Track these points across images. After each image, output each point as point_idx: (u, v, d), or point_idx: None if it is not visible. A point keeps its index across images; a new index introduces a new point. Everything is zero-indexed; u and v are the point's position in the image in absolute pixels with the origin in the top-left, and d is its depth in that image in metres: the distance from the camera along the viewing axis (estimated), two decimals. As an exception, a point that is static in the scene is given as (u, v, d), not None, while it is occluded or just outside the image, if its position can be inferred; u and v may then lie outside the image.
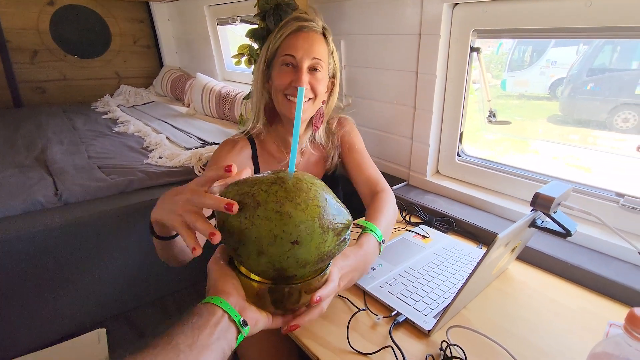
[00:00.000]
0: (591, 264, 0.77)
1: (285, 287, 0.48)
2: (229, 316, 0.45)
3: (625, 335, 0.34)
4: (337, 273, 0.58)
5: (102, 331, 1.05)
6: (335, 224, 0.47)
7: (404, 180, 1.25)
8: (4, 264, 0.91)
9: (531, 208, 0.60)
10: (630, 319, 0.33)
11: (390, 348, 0.59)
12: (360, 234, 0.74)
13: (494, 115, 1.17)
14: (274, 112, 0.89)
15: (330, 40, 0.86)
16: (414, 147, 1.19)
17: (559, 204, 0.59)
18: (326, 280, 0.53)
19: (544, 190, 0.59)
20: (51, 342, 1.00)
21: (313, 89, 0.82)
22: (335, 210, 0.47)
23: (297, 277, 0.48)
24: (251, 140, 0.91)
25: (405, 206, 1.10)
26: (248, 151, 0.90)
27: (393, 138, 1.25)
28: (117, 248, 1.08)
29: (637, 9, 0.70)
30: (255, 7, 1.21)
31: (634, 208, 0.80)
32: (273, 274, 0.46)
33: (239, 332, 0.45)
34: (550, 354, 0.59)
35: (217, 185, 0.51)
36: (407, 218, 1.07)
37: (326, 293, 0.52)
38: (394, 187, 1.19)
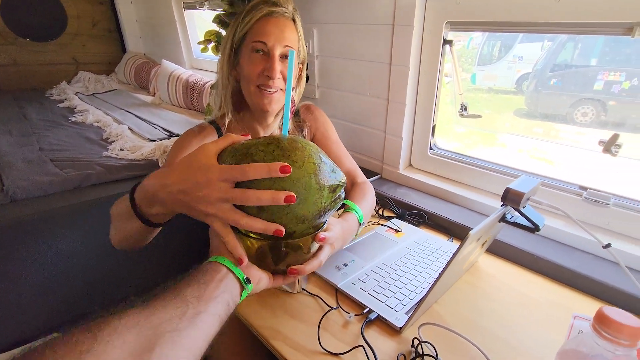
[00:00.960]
0: (557, 256, 0.79)
1: (285, 244, 0.50)
2: (233, 273, 0.47)
3: (593, 334, 0.33)
4: (336, 224, 0.59)
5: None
6: (331, 180, 0.48)
7: (377, 174, 1.24)
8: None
9: (501, 203, 0.60)
10: (599, 319, 0.33)
11: (362, 347, 0.57)
12: (343, 212, 0.73)
13: (466, 109, 1.18)
14: (240, 99, 0.84)
15: (299, 25, 0.82)
16: (387, 140, 1.18)
17: (528, 199, 0.60)
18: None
19: (514, 185, 0.58)
20: (3, 348, 0.92)
21: (284, 78, 0.77)
22: (329, 168, 0.49)
23: (297, 233, 0.49)
24: (217, 128, 0.86)
25: (379, 200, 1.09)
26: (214, 138, 0.82)
27: (366, 130, 1.24)
28: (71, 248, 1.00)
29: (602, 6, 0.71)
30: (222, -10, 1.15)
31: (595, 201, 0.83)
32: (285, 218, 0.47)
33: (242, 288, 0.47)
34: (518, 348, 0.60)
35: (214, 144, 0.49)
36: (380, 212, 1.06)
37: (329, 236, 0.53)
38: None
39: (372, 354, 0.55)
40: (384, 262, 0.81)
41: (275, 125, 0.90)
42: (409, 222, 1.00)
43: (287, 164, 0.44)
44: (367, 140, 1.24)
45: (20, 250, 0.92)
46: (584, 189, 0.85)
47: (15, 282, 0.94)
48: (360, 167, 1.22)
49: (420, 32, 1.01)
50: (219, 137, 0.82)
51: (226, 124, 0.85)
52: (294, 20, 0.80)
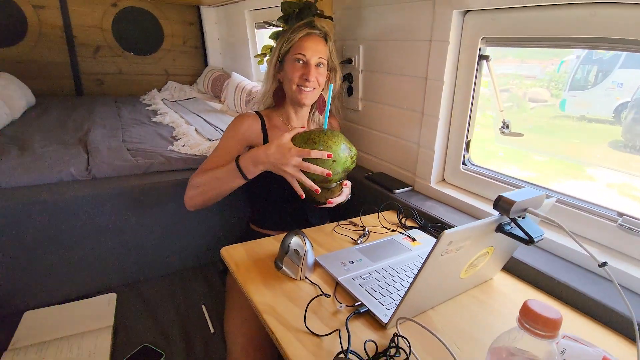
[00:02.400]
0: (580, 283, 0.73)
1: (331, 183, 0.92)
2: None
3: (518, 327, 0.34)
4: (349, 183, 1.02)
5: (113, 296, 1.16)
6: (351, 152, 0.91)
7: (410, 185, 1.24)
8: (33, 223, 1.05)
9: (498, 213, 0.60)
10: (523, 311, 0.34)
11: (339, 332, 0.61)
12: None
13: (507, 127, 1.14)
14: (281, 95, 1.11)
15: (330, 43, 1.06)
16: (420, 153, 1.19)
17: (524, 210, 0.58)
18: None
19: (510, 194, 0.58)
20: (66, 299, 1.13)
21: (317, 80, 1.04)
22: (348, 146, 0.91)
23: (334, 180, 0.91)
24: (260, 116, 1.10)
25: (403, 209, 1.11)
26: (258, 124, 1.09)
27: (401, 143, 1.26)
28: (133, 223, 1.19)
29: (637, 22, 0.67)
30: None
31: (630, 228, 0.75)
32: (324, 177, 0.88)
33: None
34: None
35: (289, 134, 0.90)
36: (403, 221, 1.07)
37: (348, 184, 1.01)
38: (398, 191, 1.20)
39: (347, 337, 0.59)
40: (390, 266, 0.83)
41: (305, 115, 1.15)
42: (430, 234, 1.00)
43: (330, 153, 0.86)
44: (402, 152, 1.27)
45: (93, 218, 1.13)
46: (621, 215, 0.78)
47: (86, 245, 1.15)
48: (392, 177, 1.29)
49: (457, 48, 1.03)
50: (260, 122, 1.10)
51: (269, 110, 1.13)
52: (325, 39, 1.05)
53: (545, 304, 0.33)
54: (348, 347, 0.57)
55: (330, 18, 1.33)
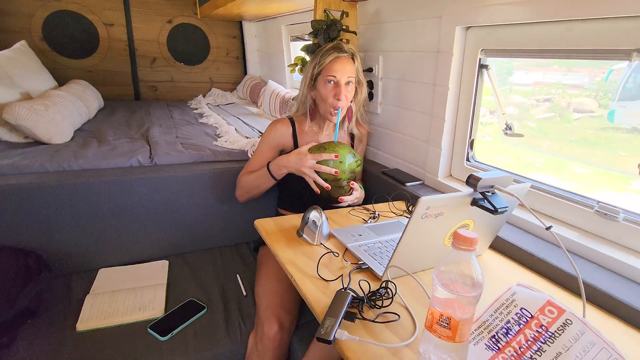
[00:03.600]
0: (558, 260, 0.86)
1: (341, 181, 1.18)
2: None
3: (453, 249, 0.51)
4: (357, 187, 1.23)
5: (166, 262, 1.41)
6: (355, 157, 1.19)
7: (420, 180, 1.40)
8: (109, 198, 1.32)
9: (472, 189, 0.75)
10: (456, 236, 0.50)
11: (342, 276, 0.79)
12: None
13: (510, 128, 1.27)
14: (314, 109, 1.30)
15: (357, 61, 1.23)
16: (429, 150, 1.34)
17: (491, 186, 0.73)
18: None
19: (480, 173, 0.73)
20: (131, 261, 1.39)
21: (347, 97, 1.21)
22: (353, 152, 1.19)
23: (342, 179, 1.18)
24: (292, 122, 1.30)
25: (411, 198, 1.26)
26: (289, 130, 1.30)
27: (413, 141, 1.42)
28: (186, 203, 1.44)
29: (605, 34, 0.80)
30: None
31: (605, 214, 0.87)
32: (334, 176, 1.15)
33: None
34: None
35: (307, 146, 1.19)
36: (410, 208, 1.23)
37: (356, 187, 1.22)
38: (410, 184, 1.36)
39: (348, 281, 0.76)
40: (393, 240, 1.00)
41: (332, 125, 1.32)
42: (432, 219, 1.15)
43: (337, 154, 1.14)
44: (414, 150, 1.42)
45: (154, 196, 1.39)
46: (598, 202, 0.90)
47: (147, 218, 1.40)
48: (405, 172, 1.47)
49: (460, 58, 1.18)
50: (292, 127, 1.32)
51: (301, 119, 1.31)
52: (352, 58, 1.22)
53: (468, 232, 0.50)
54: (348, 285, 0.75)
55: (355, 32, 1.52)
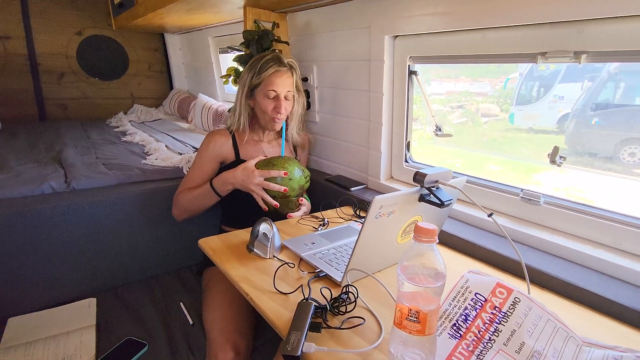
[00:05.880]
0: (495, 245, 0.93)
1: (289, 198, 1.15)
2: None
3: (415, 242, 0.51)
4: (305, 201, 1.22)
5: (93, 300, 1.23)
6: (304, 173, 1.17)
7: (364, 184, 1.43)
8: (15, 233, 1.11)
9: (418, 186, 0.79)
10: (416, 230, 0.51)
11: (301, 287, 0.76)
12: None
13: (440, 129, 1.36)
14: (253, 118, 1.28)
15: (296, 74, 1.22)
16: (370, 155, 1.38)
17: (436, 181, 0.77)
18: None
19: (424, 170, 0.77)
20: (48, 305, 1.19)
21: (286, 109, 1.21)
22: (302, 168, 1.16)
23: (292, 196, 1.15)
24: (231, 132, 1.26)
25: (357, 203, 1.28)
26: (229, 140, 1.25)
27: (354, 147, 1.45)
28: (114, 230, 1.28)
29: (514, 40, 0.91)
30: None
31: (529, 200, 0.97)
32: (283, 193, 1.11)
33: None
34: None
35: (254, 160, 1.14)
36: (357, 212, 1.25)
37: (304, 202, 1.21)
38: (354, 189, 1.38)
39: (308, 291, 0.74)
40: (346, 244, 0.99)
41: (273, 132, 1.31)
42: (379, 220, 1.18)
43: (286, 171, 1.10)
44: (355, 155, 1.46)
45: (73, 227, 1.21)
46: (522, 190, 1.00)
47: (66, 252, 1.22)
48: (349, 178, 1.48)
49: (391, 65, 1.24)
50: (232, 137, 1.26)
51: (240, 130, 1.26)
52: (292, 72, 1.21)
53: (428, 224, 0.51)
54: (309, 295, 0.72)
55: (287, 43, 1.53)
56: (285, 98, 1.19)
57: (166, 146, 1.83)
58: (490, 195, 1.07)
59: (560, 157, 0.98)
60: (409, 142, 1.32)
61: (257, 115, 1.24)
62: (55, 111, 2.80)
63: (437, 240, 0.51)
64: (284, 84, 1.18)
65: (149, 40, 3.12)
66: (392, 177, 1.40)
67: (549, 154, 1.00)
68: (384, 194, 1.35)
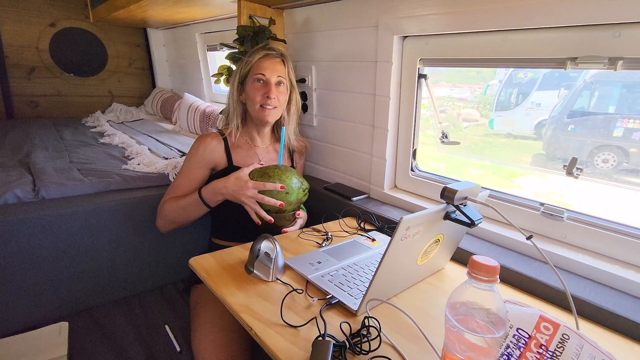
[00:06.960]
0: (517, 265, 0.86)
1: (285, 213, 1.02)
2: None
3: (467, 278, 0.42)
4: (303, 214, 1.13)
5: (64, 324, 1.08)
6: (302, 185, 1.05)
7: (365, 193, 1.34)
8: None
9: (445, 202, 0.70)
10: (470, 264, 0.42)
11: (315, 319, 0.65)
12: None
13: (446, 137, 1.29)
14: (245, 117, 1.18)
15: (288, 64, 1.13)
16: (373, 162, 1.29)
17: (465, 198, 0.69)
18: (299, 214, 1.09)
19: (452, 185, 0.68)
20: (14, 331, 1.03)
21: (278, 98, 1.10)
22: (300, 180, 1.05)
23: (288, 210, 1.03)
24: (222, 134, 1.15)
25: (362, 214, 1.19)
26: (221, 144, 1.14)
27: (356, 154, 1.36)
28: (90, 244, 1.14)
29: (540, 44, 0.84)
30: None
31: (551, 215, 0.91)
32: (279, 208, 1.00)
33: None
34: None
35: (247, 169, 1.03)
36: (362, 225, 1.15)
37: (301, 215, 1.10)
38: (356, 199, 1.28)
39: (323, 324, 0.63)
40: (355, 263, 0.90)
41: (268, 133, 1.21)
42: (387, 234, 1.09)
43: (283, 185, 0.99)
44: (357, 163, 1.37)
45: (41, 242, 1.06)
46: (542, 204, 0.93)
47: (33, 271, 1.07)
48: (349, 187, 1.38)
49: (399, 67, 1.16)
50: (224, 141, 1.14)
51: (233, 133, 1.16)
52: (282, 60, 1.13)
53: (486, 257, 0.42)
54: (325, 330, 0.62)
55: (283, 41, 1.42)
56: (276, 85, 1.10)
57: (149, 149, 1.69)
58: (506, 208, 1.00)
59: (577, 168, 0.92)
60: (415, 149, 1.24)
61: (249, 111, 1.14)
62: (25, 109, 2.58)
63: (499, 280, 0.42)
64: (274, 69, 1.09)
65: (130, 35, 2.95)
66: (396, 186, 1.32)
67: (564, 166, 0.94)
68: (386, 205, 1.30)
